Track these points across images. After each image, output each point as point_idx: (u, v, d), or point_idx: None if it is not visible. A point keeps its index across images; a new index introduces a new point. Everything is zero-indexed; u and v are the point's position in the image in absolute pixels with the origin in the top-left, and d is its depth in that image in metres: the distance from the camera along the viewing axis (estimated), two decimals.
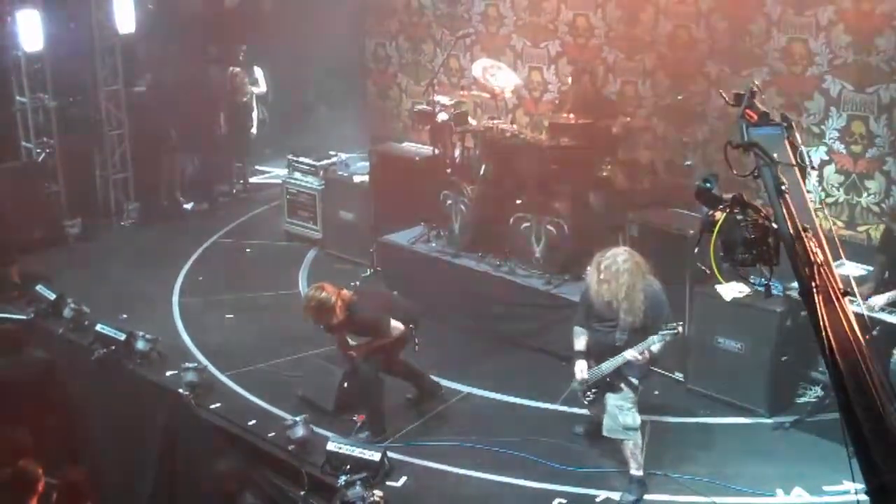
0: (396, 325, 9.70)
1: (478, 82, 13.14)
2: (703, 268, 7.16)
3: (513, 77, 13.27)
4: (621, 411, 8.69)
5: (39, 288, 12.75)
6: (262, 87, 16.94)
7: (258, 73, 16.90)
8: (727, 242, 5.41)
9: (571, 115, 11.97)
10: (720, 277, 5.93)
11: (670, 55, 13.31)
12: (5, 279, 13.31)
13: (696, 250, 5.85)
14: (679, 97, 13.00)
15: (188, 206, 16.36)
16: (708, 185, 5.57)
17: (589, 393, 8.99)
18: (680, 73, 13.18)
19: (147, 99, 16.18)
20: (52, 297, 12.53)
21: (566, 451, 9.53)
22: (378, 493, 8.41)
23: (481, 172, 12.24)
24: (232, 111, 16.47)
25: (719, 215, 5.44)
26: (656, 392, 10.13)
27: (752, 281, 5.85)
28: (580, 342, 8.99)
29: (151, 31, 16.26)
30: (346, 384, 10.21)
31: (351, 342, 9.98)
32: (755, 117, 5.46)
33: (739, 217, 5.35)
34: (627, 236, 10.83)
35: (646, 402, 9.29)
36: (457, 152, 12.94)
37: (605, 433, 8.89)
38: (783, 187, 5.15)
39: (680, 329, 8.60)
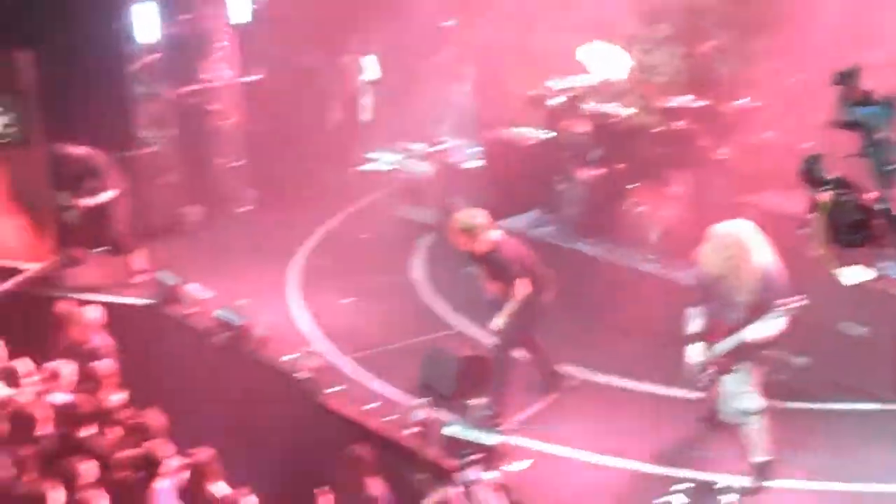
0: (525, 285, 9.70)
1: (589, 66, 13.07)
2: (815, 250, 7.13)
3: (624, 60, 13.16)
4: (739, 395, 8.56)
5: (161, 274, 13.01)
6: (374, 75, 17.02)
7: (370, 60, 16.98)
8: (834, 224, 5.31)
9: (686, 98, 11.84)
10: (830, 259, 5.78)
11: (786, 35, 13.06)
12: (127, 266, 13.61)
13: (805, 231, 5.74)
14: (793, 79, 12.76)
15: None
16: (811, 165, 5.47)
17: (704, 376, 8.87)
18: (796, 53, 12.92)
19: (262, 88, 16.38)
20: (173, 283, 12.79)
21: (685, 436, 9.48)
22: (495, 475, 8.43)
23: (594, 157, 12.18)
24: (345, 99, 16.59)
25: (825, 196, 5.34)
26: (777, 376, 9.97)
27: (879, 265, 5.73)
28: (695, 324, 8.86)
29: (266, 20, 16.42)
30: (465, 368, 10.28)
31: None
32: (859, 96, 5.36)
33: (844, 199, 5.24)
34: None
35: (766, 385, 9.15)
36: (569, 137, 12.87)
37: (723, 417, 8.81)
38: (890, 167, 5.04)
39: (798, 305, 8.35)
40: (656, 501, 8.62)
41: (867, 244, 5.25)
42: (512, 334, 9.93)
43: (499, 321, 9.86)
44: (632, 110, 12.56)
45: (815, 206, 5.34)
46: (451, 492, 7.98)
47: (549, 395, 10.37)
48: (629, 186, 11.82)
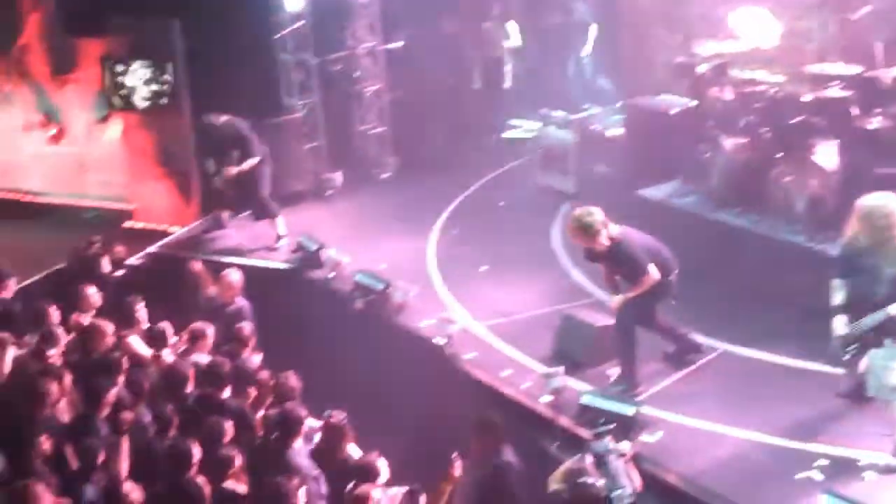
0: (653, 273, 9.55)
1: (737, 32, 12.75)
2: None
3: (774, 26, 12.80)
4: (887, 370, 8.26)
5: (302, 239, 13.18)
6: (516, 42, 16.90)
7: (512, 26, 16.87)
8: None
9: (837, 65, 11.46)
10: None
11: None
12: (269, 230, 13.82)
13: None
14: None
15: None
16: None
17: (848, 350, 8.56)
18: None
19: (404, 55, 16.44)
20: (314, 247, 12.93)
21: (826, 411, 9.25)
22: (626, 445, 8.30)
23: (741, 125, 11.89)
24: (487, 65, 16.55)
25: None
26: None
27: None
28: (839, 296, 8.58)
29: None
30: (602, 337, 10.17)
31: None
32: None
33: None
34: None
35: None
36: (715, 104, 12.58)
37: (870, 392, 8.52)
38: None
39: None
40: (797, 476, 8.45)
41: None
42: (632, 315, 9.76)
43: (618, 299, 9.72)
44: (781, 78, 12.20)
45: None
46: (585, 461, 7.87)
47: (686, 366, 10.18)
48: (776, 156, 11.50)
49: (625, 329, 9.75)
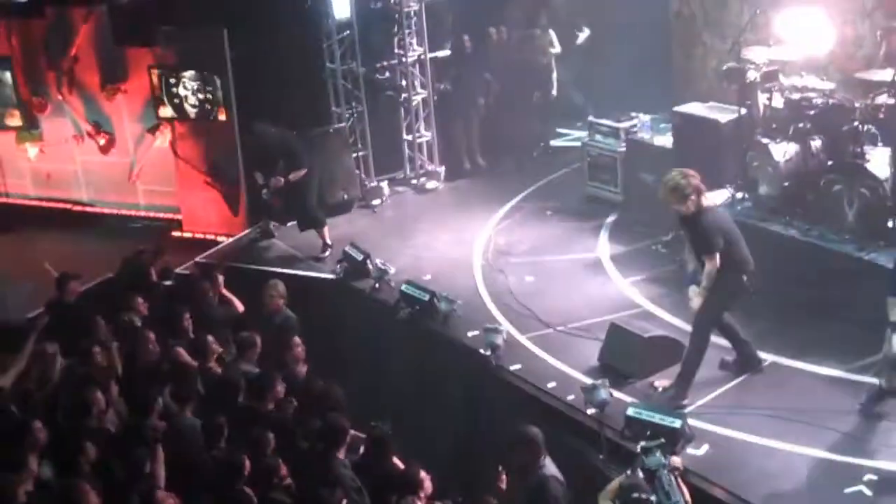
0: (716, 257, 9.45)
1: (786, 38, 12.60)
2: None
3: (823, 33, 12.64)
4: None
5: (348, 248, 13.19)
6: (557, 49, 16.83)
7: (552, 34, 16.78)
8: None
9: (888, 71, 11.29)
10: None
11: None
12: (316, 240, 13.84)
13: None
14: None
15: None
16: None
17: None
18: None
19: (451, 63, 16.44)
20: (360, 257, 12.94)
21: (876, 425, 9.11)
22: (677, 460, 8.22)
23: (790, 133, 11.76)
24: (535, 73, 16.52)
25: None
26: None
27: None
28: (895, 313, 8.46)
29: None
30: (649, 348, 10.11)
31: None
32: None
33: None
34: None
35: None
36: (765, 111, 12.44)
37: None
38: None
39: None
40: (847, 490, 8.32)
41: None
42: (710, 314, 9.70)
43: (694, 297, 9.63)
44: (831, 85, 12.05)
45: None
46: (637, 475, 7.80)
47: (736, 377, 10.07)
48: (826, 164, 11.36)
49: (700, 336, 9.69)
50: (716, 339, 9.98)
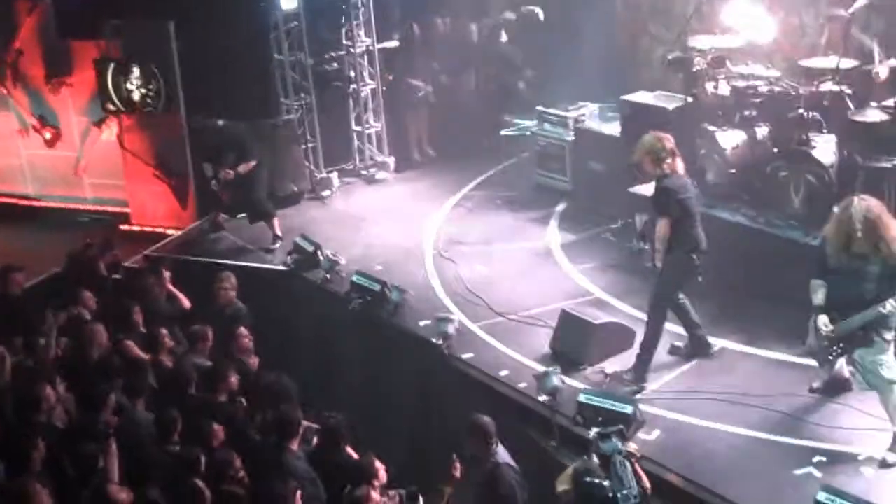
0: (664, 223, 9.62)
1: (730, 28, 12.71)
2: None
3: (768, 22, 12.76)
4: (881, 366, 8.29)
5: (298, 239, 13.18)
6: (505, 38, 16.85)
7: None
8: None
9: (831, 59, 11.42)
10: None
11: None
12: (266, 231, 13.80)
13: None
14: None
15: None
16: None
17: (836, 348, 8.56)
18: None
19: (399, 53, 16.43)
20: (311, 248, 12.92)
21: (825, 407, 9.26)
22: (633, 446, 8.28)
23: (737, 120, 11.87)
24: (485, 62, 16.56)
25: None
26: None
27: None
28: (819, 296, 8.58)
29: None
30: (601, 334, 10.17)
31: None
32: None
33: None
34: (893, 184, 10.28)
35: None
36: (711, 100, 12.54)
37: (863, 388, 8.60)
38: None
39: None
40: (797, 472, 8.43)
41: None
42: (663, 293, 9.85)
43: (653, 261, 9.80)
44: (776, 73, 12.16)
45: None
46: (592, 461, 7.86)
47: (686, 362, 10.17)
48: (772, 151, 11.48)
49: (657, 309, 9.83)
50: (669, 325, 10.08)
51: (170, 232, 15.21)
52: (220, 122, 13.63)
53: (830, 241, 8.44)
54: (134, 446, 8.86)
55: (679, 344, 10.30)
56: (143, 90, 15.29)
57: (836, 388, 9.29)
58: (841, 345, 8.45)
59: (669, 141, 9.74)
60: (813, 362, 9.46)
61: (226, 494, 8.10)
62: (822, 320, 8.48)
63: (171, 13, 14.92)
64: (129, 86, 15.38)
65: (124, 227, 16.16)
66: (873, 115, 11.06)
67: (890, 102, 10.81)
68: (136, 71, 15.25)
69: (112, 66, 15.42)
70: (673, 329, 10.29)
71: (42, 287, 13.00)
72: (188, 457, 8.36)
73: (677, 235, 9.63)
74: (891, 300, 8.10)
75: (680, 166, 9.83)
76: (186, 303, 11.88)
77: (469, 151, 16.47)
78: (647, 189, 12.12)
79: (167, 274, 12.05)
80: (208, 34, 14.73)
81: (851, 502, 7.39)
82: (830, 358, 8.74)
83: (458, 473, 8.24)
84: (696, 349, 10.28)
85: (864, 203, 8.27)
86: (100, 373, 9.99)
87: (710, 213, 11.81)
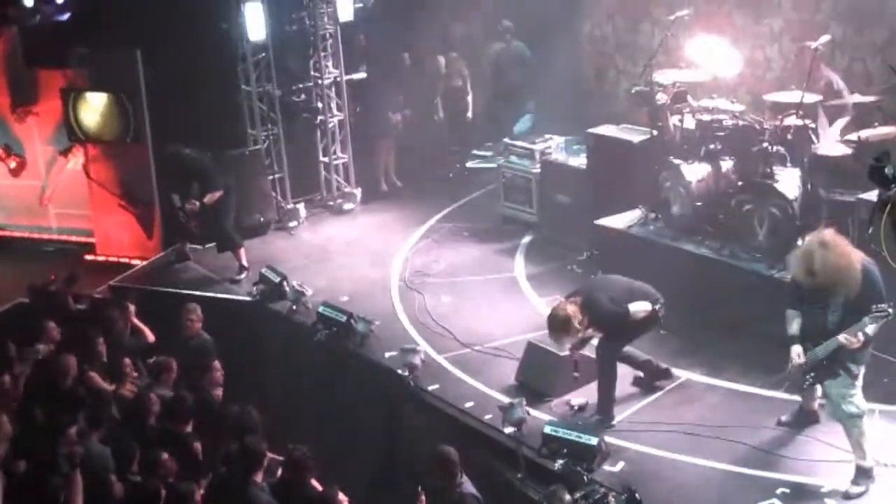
0: (641, 307, 9.66)
1: (696, 61, 12.83)
2: (877, 249, 6.81)
3: (733, 56, 12.89)
4: (844, 399, 8.32)
5: (265, 270, 13.14)
6: (465, 72, 16.96)
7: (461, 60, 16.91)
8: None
9: (795, 93, 11.54)
10: (891, 260, 5.53)
11: None
12: (233, 262, 13.76)
13: (870, 231, 5.52)
14: None
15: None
16: (881, 163, 5.29)
17: (808, 378, 8.63)
18: None
19: (366, 86, 16.48)
20: (277, 279, 12.89)
21: (788, 439, 9.28)
22: (594, 475, 8.27)
23: (702, 154, 11.96)
24: (449, 96, 16.64)
25: (892, 195, 5.17)
26: (885, 379, 9.63)
27: None
28: (793, 326, 8.64)
29: (370, 18, 16.48)
30: (567, 366, 10.21)
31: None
32: None
33: None
34: (856, 217, 10.37)
35: (874, 389, 8.88)
36: (676, 134, 12.64)
37: (831, 418, 8.67)
38: None
39: (892, 311, 8.08)
40: None
41: None
42: (613, 343, 9.87)
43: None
44: (741, 106, 12.28)
45: (880, 204, 5.19)
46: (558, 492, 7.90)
47: (650, 394, 10.21)
48: (736, 184, 11.58)
49: (606, 361, 9.81)
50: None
51: (135, 262, 15.15)
52: (187, 152, 13.60)
53: (796, 274, 8.49)
54: (91, 478, 8.78)
55: (641, 375, 10.34)
56: (110, 119, 15.24)
57: (803, 420, 9.33)
58: (812, 374, 8.51)
59: (572, 308, 9.56)
60: (780, 394, 9.56)
61: None
62: (796, 350, 8.52)
63: (138, 42, 14.91)
64: (95, 115, 15.33)
65: (89, 257, 16.09)
66: (837, 149, 11.19)
67: (853, 137, 10.91)
68: (102, 100, 15.20)
69: (78, 94, 15.36)
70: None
71: (6, 316, 12.91)
72: (148, 488, 8.31)
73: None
74: (845, 333, 8.15)
75: (577, 302, 9.67)
76: (151, 336, 11.80)
77: (436, 183, 16.54)
78: (616, 220, 12.28)
79: (132, 307, 11.97)
80: (176, 64, 14.72)
81: None
82: (805, 386, 8.81)
83: None
84: (656, 378, 10.33)
85: (836, 237, 8.29)
86: (65, 404, 9.92)
87: (674, 246, 11.92)
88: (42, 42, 15.74)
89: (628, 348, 10.12)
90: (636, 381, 10.35)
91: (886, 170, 5.30)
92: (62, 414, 9.48)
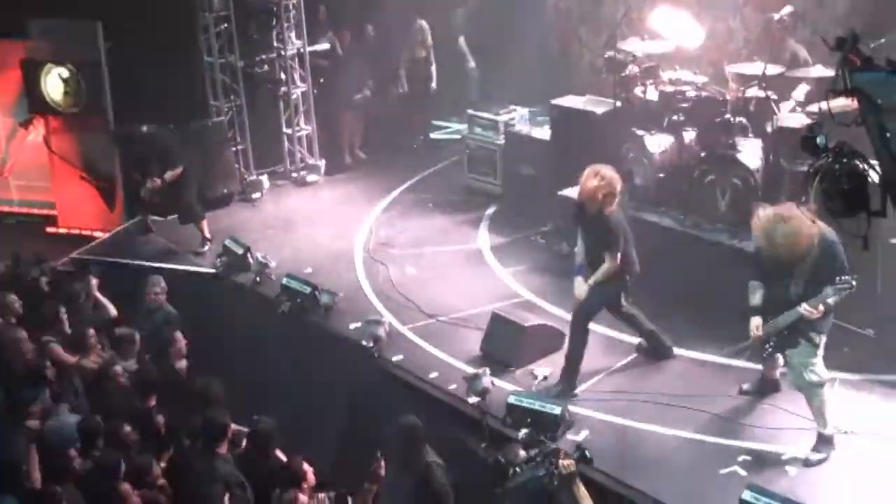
0: (615, 262, 9.70)
1: (662, 32, 12.84)
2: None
3: (696, 27, 12.91)
4: (806, 368, 8.42)
5: (228, 242, 13.09)
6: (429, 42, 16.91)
7: (426, 28, 16.83)
8: (827, 192, 5.20)
9: (758, 64, 11.59)
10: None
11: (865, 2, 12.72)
12: (196, 234, 13.70)
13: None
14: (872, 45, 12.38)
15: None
16: (813, 134, 5.36)
17: (767, 348, 8.72)
18: (881, 22, 12.55)
19: (330, 56, 16.41)
20: (240, 251, 12.85)
21: (750, 408, 9.40)
22: (558, 445, 8.32)
23: (665, 125, 12.00)
24: (414, 65, 16.58)
25: (822, 164, 5.25)
26: (846, 349, 9.73)
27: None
28: (755, 297, 8.72)
29: None
30: (530, 336, 10.22)
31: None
32: (859, 62, 5.19)
33: (836, 167, 5.12)
34: (816, 187, 10.42)
35: (835, 358, 8.98)
36: (640, 104, 12.65)
37: (792, 387, 8.76)
38: (888, 134, 4.87)
39: (854, 283, 8.20)
40: (722, 472, 8.54)
41: (850, 213, 5.16)
42: (589, 308, 9.88)
43: (583, 289, 9.79)
44: (704, 78, 12.32)
45: (812, 175, 5.28)
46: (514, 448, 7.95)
47: (613, 363, 10.26)
48: (699, 155, 11.63)
49: (576, 329, 9.84)
50: (595, 326, 10.16)
51: (97, 234, 15.05)
52: (144, 129, 13.49)
53: (766, 242, 8.51)
54: (56, 452, 8.75)
55: (644, 343, 10.43)
56: (70, 91, 15.11)
57: (765, 389, 9.44)
58: (773, 342, 8.58)
59: (617, 179, 9.79)
60: (742, 363, 9.64)
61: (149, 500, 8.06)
62: (755, 322, 8.62)
63: (99, 13, 14.76)
64: (55, 86, 15.19)
65: (51, 229, 15.96)
66: (798, 120, 11.25)
67: (814, 108, 10.97)
68: (62, 71, 15.06)
69: (38, 66, 15.20)
70: (602, 331, 10.43)
71: None
72: (108, 461, 8.29)
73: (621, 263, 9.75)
74: (806, 304, 8.24)
75: (617, 195, 9.84)
76: (113, 310, 11.72)
77: (399, 155, 16.50)
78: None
79: (94, 281, 11.89)
80: (137, 35, 14.60)
81: (776, 500, 7.49)
82: (765, 356, 8.91)
83: (382, 472, 8.22)
84: (656, 353, 10.40)
85: (779, 211, 8.37)
86: (27, 380, 9.86)
87: (637, 217, 11.94)
88: (1, 12, 15.55)
89: (636, 312, 10.22)
90: (638, 348, 10.45)
91: (818, 140, 5.36)
92: (22, 389, 9.45)
